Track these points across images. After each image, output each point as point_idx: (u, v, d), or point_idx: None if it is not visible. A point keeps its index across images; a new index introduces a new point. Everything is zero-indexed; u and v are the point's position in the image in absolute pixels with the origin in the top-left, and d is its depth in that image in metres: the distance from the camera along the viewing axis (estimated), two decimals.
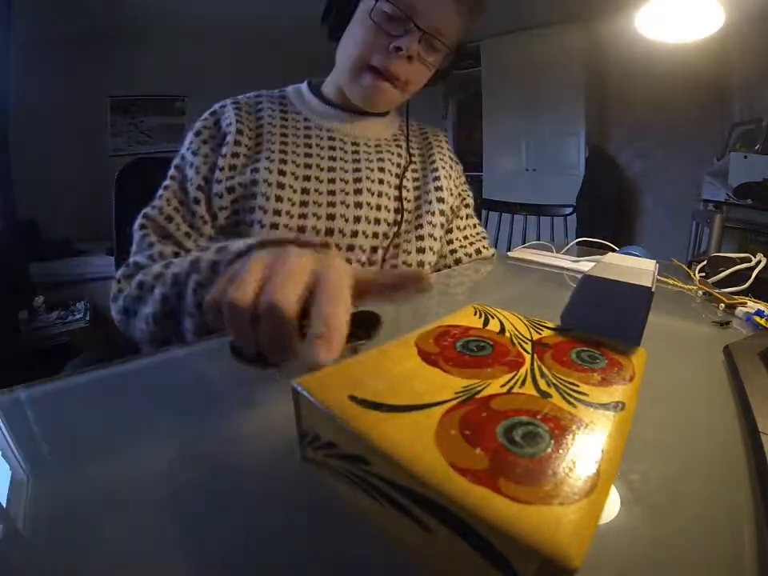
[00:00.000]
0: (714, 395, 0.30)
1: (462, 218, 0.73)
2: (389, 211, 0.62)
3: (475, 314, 0.29)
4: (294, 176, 0.57)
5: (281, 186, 0.55)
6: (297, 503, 0.19)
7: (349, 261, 0.58)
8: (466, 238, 0.73)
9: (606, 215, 2.59)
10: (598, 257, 0.72)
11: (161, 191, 0.55)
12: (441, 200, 0.66)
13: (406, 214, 0.64)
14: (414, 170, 0.68)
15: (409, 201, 0.65)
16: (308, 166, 0.58)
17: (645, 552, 0.17)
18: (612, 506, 0.19)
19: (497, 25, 2.69)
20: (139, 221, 0.53)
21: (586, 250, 0.92)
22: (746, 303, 0.50)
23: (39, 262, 2.08)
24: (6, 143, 2.03)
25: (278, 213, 0.54)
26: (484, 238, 0.77)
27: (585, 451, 0.15)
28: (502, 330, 0.27)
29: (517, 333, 0.26)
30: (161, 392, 0.29)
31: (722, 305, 0.52)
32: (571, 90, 2.68)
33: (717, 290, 0.56)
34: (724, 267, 0.61)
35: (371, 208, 0.60)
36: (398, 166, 0.66)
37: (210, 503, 0.19)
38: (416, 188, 0.67)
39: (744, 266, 0.60)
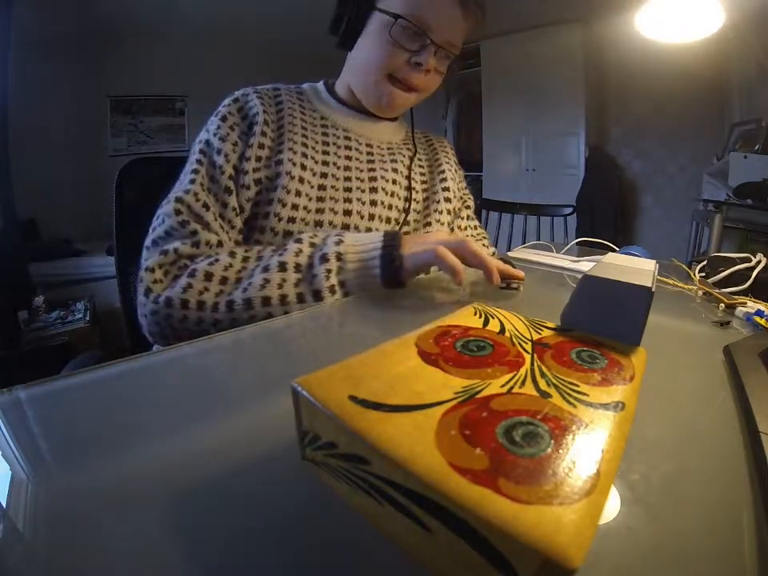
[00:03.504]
0: (714, 395, 0.30)
1: (462, 219, 0.76)
2: (399, 211, 0.66)
3: (475, 314, 0.29)
4: (312, 172, 0.58)
5: (301, 180, 0.56)
6: (297, 503, 0.19)
7: None
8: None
9: (605, 215, 2.60)
10: (598, 257, 0.72)
11: (191, 175, 0.53)
12: (448, 200, 0.70)
13: (415, 214, 0.67)
14: (422, 173, 0.72)
15: (418, 202, 0.68)
16: (325, 164, 0.60)
17: (645, 552, 0.17)
18: (612, 506, 0.19)
19: (497, 25, 2.70)
20: (173, 205, 0.51)
21: (586, 249, 0.92)
22: (745, 303, 0.50)
23: (39, 262, 2.08)
24: (6, 143, 2.03)
25: (295, 207, 0.55)
26: (485, 237, 0.80)
27: (585, 451, 0.15)
28: (502, 330, 0.27)
29: (517, 333, 0.26)
30: (161, 392, 0.29)
31: (722, 305, 0.52)
32: (571, 90, 2.69)
33: (717, 290, 0.56)
34: (724, 267, 0.61)
35: (384, 206, 0.63)
36: (408, 168, 0.69)
37: (210, 503, 0.19)
38: (424, 190, 0.71)
39: (744, 266, 0.60)
